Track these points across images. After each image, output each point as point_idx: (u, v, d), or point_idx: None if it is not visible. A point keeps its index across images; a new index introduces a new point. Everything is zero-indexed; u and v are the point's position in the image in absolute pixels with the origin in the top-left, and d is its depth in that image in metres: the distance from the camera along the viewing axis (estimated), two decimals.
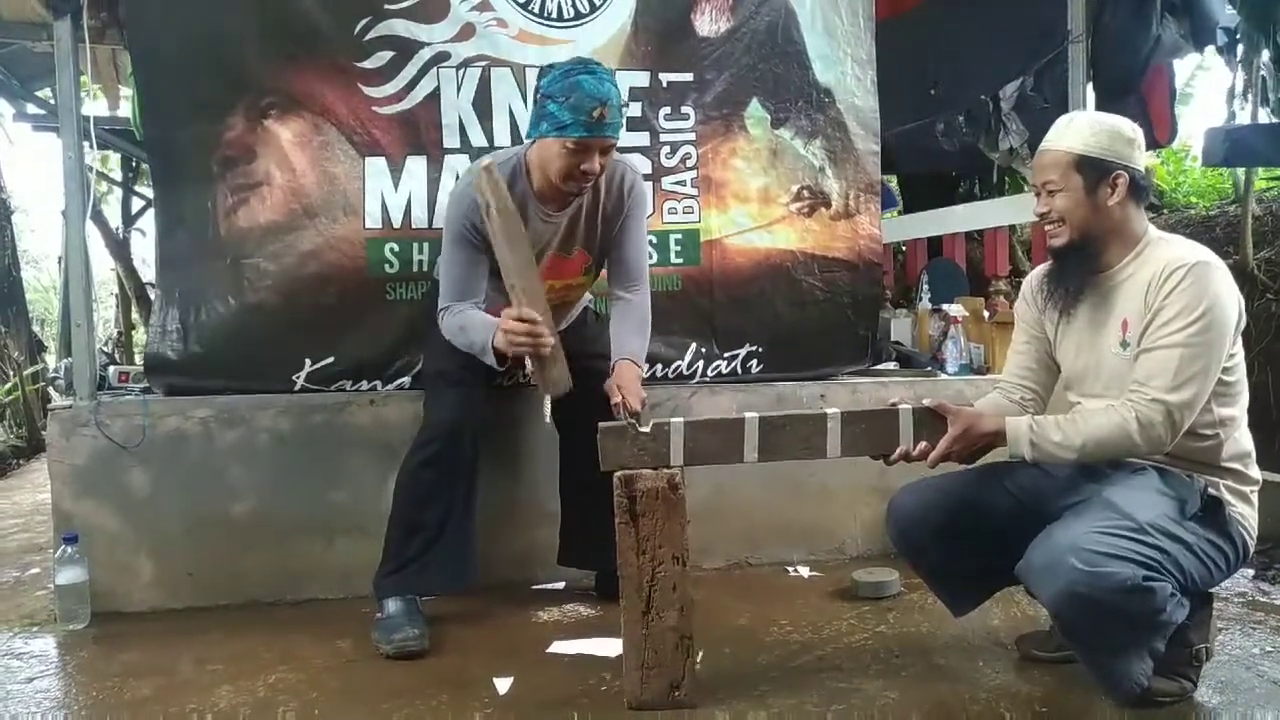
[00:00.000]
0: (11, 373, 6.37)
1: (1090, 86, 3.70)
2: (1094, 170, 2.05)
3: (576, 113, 2.35)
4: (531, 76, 3.03)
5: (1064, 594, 1.85)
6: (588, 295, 2.93)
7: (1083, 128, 2.08)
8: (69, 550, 2.69)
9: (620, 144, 2.99)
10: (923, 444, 2.09)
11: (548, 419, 2.75)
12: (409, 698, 2.18)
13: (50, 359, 7.17)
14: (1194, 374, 1.95)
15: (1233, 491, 2.03)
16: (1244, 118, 3.96)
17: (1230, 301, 1.99)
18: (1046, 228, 2.15)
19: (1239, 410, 2.07)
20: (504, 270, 2.38)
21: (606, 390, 2.50)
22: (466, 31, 3.02)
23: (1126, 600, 1.83)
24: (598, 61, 2.48)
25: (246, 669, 2.37)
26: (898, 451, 2.10)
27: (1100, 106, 3.71)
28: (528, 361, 2.46)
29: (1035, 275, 2.31)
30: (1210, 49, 3.83)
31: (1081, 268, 2.12)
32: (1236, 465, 2.05)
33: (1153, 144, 3.89)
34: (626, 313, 2.68)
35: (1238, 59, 3.80)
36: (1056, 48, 3.73)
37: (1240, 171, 4.74)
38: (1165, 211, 6.23)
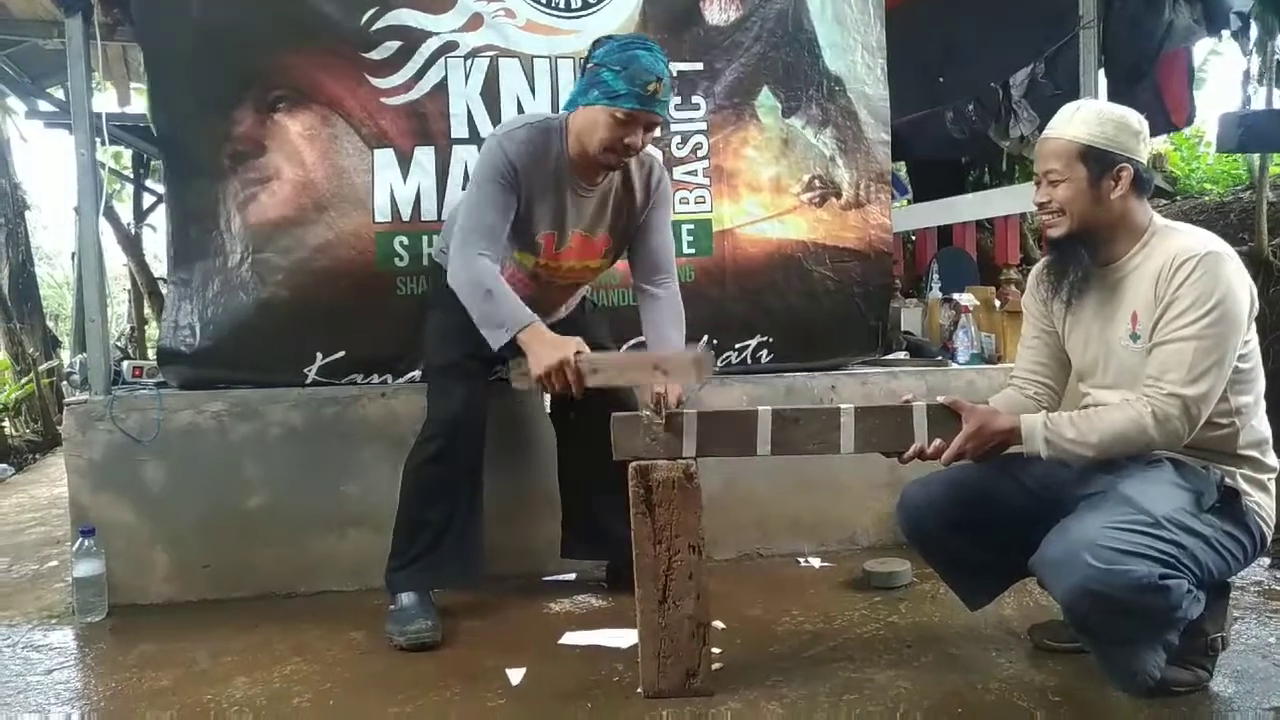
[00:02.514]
0: (27, 367, 6.41)
1: (1102, 73, 3.67)
2: (1099, 162, 2.02)
3: (632, 84, 2.33)
4: (539, 67, 3.05)
5: (1078, 590, 1.84)
6: (586, 289, 2.92)
7: (1090, 117, 2.05)
8: (86, 543, 2.71)
9: None
10: (937, 441, 2.08)
11: (546, 408, 2.74)
12: (422, 689, 2.19)
13: (64, 354, 7.22)
14: (1209, 366, 1.93)
15: (1249, 480, 2.02)
16: (1258, 102, 3.92)
17: (1242, 291, 1.97)
18: (1044, 217, 2.12)
19: (1255, 397, 2.05)
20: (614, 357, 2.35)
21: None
22: (474, 22, 3.01)
23: (1142, 598, 1.82)
24: (655, 41, 2.47)
25: (261, 660, 2.39)
26: (911, 449, 2.09)
27: (1112, 93, 3.68)
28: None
29: (1039, 268, 2.28)
30: (1224, 33, 3.80)
31: (1081, 259, 2.09)
32: (1253, 453, 2.04)
33: (1169, 127, 3.85)
34: (661, 308, 2.63)
35: (1252, 43, 3.77)
36: (1068, 34, 3.70)
37: (1255, 157, 4.70)
38: (1178, 198, 6.19)
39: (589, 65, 2.44)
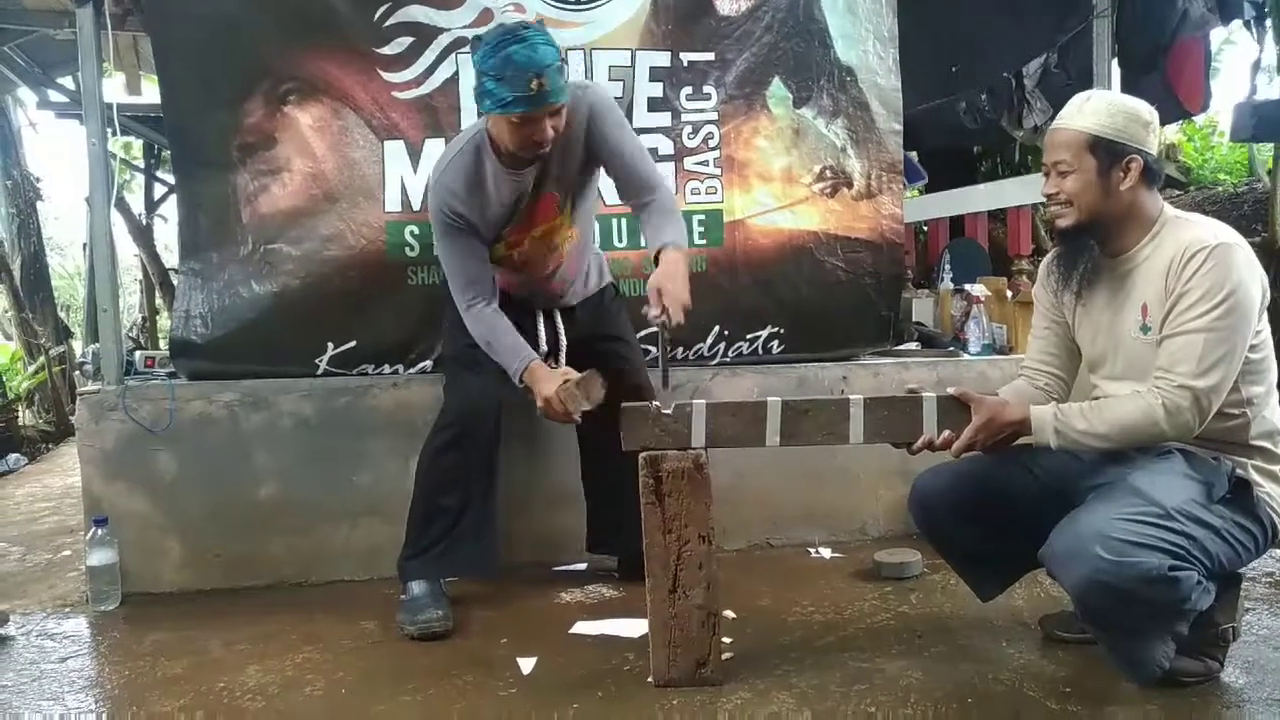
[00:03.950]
0: (41, 357, 6.45)
1: (1115, 63, 3.65)
2: (1108, 153, 2.01)
3: (514, 87, 2.25)
4: None
5: (1088, 582, 1.84)
6: (608, 275, 2.91)
7: (1099, 108, 2.04)
8: (99, 532, 2.73)
9: (642, 124, 3.00)
10: (946, 433, 2.08)
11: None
12: (434, 678, 2.20)
13: (76, 345, 7.25)
14: (1220, 358, 1.92)
15: (1261, 471, 2.01)
16: (1272, 92, 3.90)
17: (1254, 282, 1.96)
18: (1052, 208, 2.11)
19: (1267, 388, 2.04)
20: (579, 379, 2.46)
21: (648, 293, 2.31)
22: (484, 17, 3.01)
23: (1151, 589, 1.82)
24: (526, 24, 2.37)
25: (274, 649, 2.41)
26: (921, 440, 2.09)
27: (1125, 82, 3.66)
28: (541, 332, 2.65)
29: (1049, 258, 2.27)
30: (1237, 22, 3.77)
31: (1090, 250, 2.08)
32: (1265, 444, 2.03)
33: (1180, 114, 3.82)
34: (652, 211, 2.50)
35: (1266, 32, 3.74)
36: (1081, 23, 3.68)
37: (1269, 147, 4.67)
38: (1192, 189, 6.16)
39: (475, 71, 2.36)
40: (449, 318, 2.68)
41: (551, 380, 2.45)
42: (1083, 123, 2.03)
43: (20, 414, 6.15)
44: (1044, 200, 2.18)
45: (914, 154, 5.68)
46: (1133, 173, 2.01)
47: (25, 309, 6.71)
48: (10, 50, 4.26)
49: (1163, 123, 2.15)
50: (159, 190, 7.52)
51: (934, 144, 5.27)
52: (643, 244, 3.09)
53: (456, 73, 3.00)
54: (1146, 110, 2.05)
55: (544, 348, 2.68)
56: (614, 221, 3.11)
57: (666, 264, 2.35)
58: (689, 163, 3.16)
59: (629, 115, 3.03)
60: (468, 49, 2.97)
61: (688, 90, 3.15)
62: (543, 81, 2.25)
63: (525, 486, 2.97)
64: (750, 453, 2.63)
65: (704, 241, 3.18)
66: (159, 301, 7.75)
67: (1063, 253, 2.16)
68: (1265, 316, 2.01)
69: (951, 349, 3.55)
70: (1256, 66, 3.88)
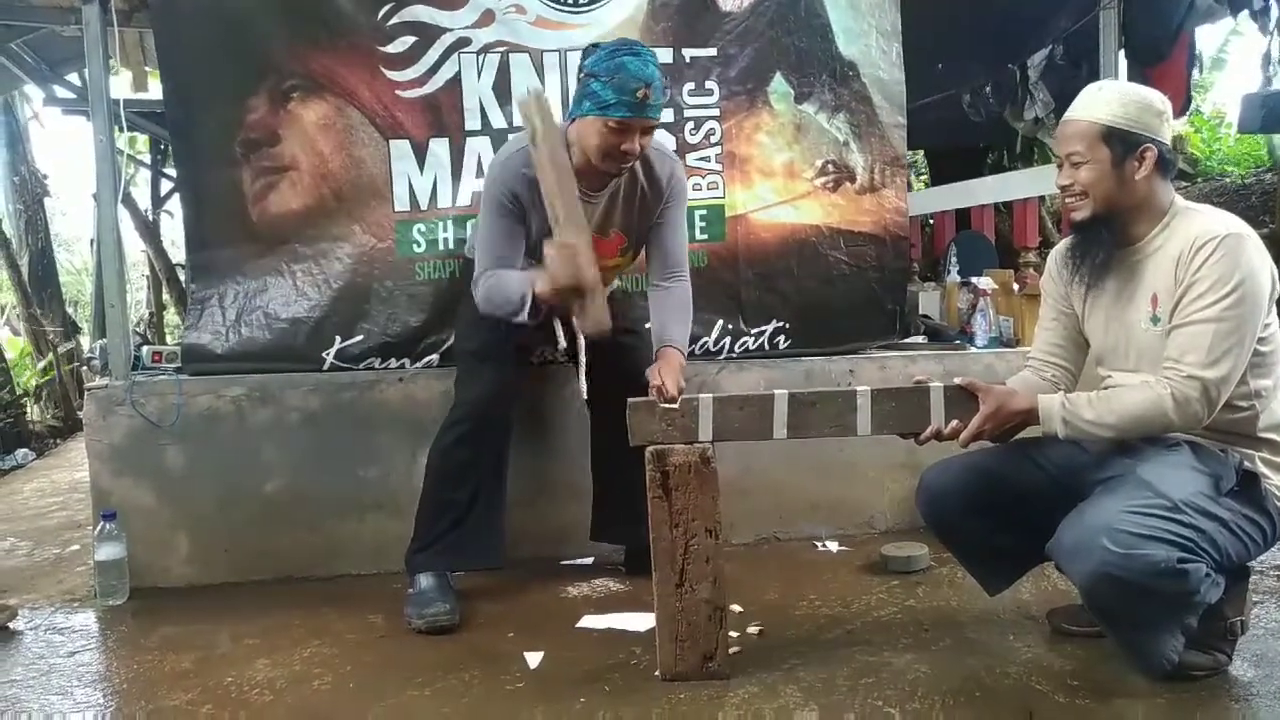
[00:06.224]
0: (49, 353, 6.47)
1: (1122, 54, 3.63)
2: (1122, 143, 2.00)
3: (620, 93, 2.33)
4: (549, 61, 3.06)
5: (1096, 575, 1.84)
6: (616, 280, 2.92)
7: (1112, 99, 2.03)
8: (108, 527, 2.74)
9: None
10: (954, 423, 2.07)
11: (584, 394, 2.74)
12: (441, 672, 2.21)
13: (84, 340, 7.28)
14: (1229, 348, 1.92)
15: (1269, 464, 2.01)
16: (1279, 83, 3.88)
17: (1263, 272, 1.95)
18: (1067, 200, 2.10)
19: (1275, 380, 2.03)
20: (547, 197, 2.36)
21: (647, 375, 2.47)
22: (486, 18, 3.03)
23: (1159, 582, 1.82)
24: (642, 43, 2.47)
25: (281, 643, 2.41)
26: (929, 430, 2.08)
27: (1131, 74, 3.65)
28: (559, 328, 2.55)
29: (1060, 250, 2.26)
30: (1244, 13, 3.74)
31: (1104, 241, 2.07)
32: (1273, 436, 2.02)
33: None
34: (668, 301, 2.67)
35: (1273, 23, 3.72)
36: (1087, 14, 3.66)
37: (1277, 139, 4.65)
38: (1199, 180, 6.14)
39: (581, 74, 2.45)
40: (464, 311, 2.69)
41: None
42: (1096, 113, 2.02)
43: (28, 409, 6.17)
44: (1054, 191, 2.17)
45: (918, 155, 5.67)
46: (1147, 162, 2.00)
47: (33, 305, 6.73)
48: (17, 47, 4.25)
49: None
50: (165, 186, 7.53)
51: (939, 139, 5.26)
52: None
53: (459, 73, 3.02)
54: (1159, 100, 2.04)
55: (563, 344, 2.72)
56: None
57: (666, 359, 2.53)
58: (691, 159, 3.16)
59: None
60: (470, 49, 3.01)
61: (690, 86, 3.15)
62: (648, 93, 2.35)
63: (532, 480, 2.97)
64: (757, 446, 2.62)
65: (706, 237, 3.18)
66: (166, 296, 7.77)
67: (1077, 243, 2.15)
68: (1274, 309, 2.00)
69: (958, 342, 3.54)
70: (1267, 59, 3.86)
